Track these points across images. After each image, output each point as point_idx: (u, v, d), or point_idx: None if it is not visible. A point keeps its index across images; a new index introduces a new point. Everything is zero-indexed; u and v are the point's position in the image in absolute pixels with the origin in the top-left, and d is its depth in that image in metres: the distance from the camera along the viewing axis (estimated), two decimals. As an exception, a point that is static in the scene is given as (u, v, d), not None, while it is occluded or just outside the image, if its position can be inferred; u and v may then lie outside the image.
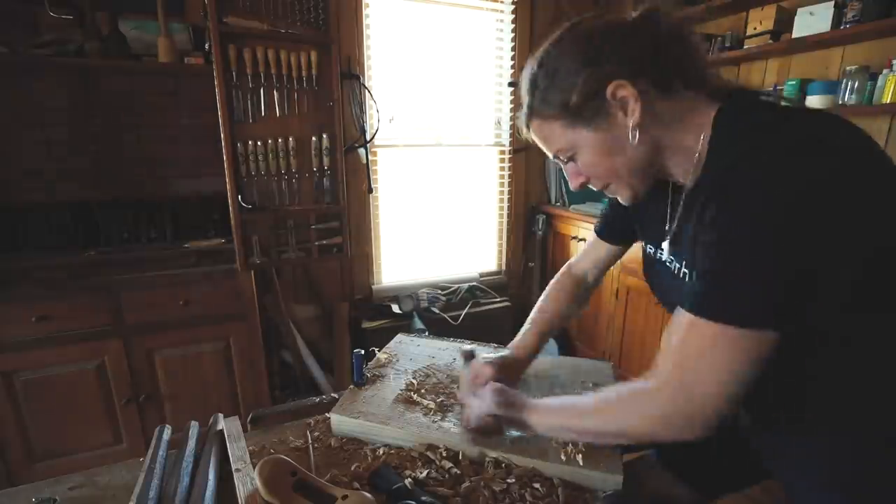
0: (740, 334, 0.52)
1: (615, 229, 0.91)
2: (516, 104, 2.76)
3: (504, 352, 0.93)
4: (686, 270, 0.66)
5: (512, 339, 0.96)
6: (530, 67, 0.65)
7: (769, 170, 0.49)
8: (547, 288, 0.99)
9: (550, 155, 0.70)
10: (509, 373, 0.87)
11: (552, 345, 2.67)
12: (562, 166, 0.70)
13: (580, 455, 0.72)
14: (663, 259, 0.73)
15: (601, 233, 0.93)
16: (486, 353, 0.95)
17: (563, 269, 1.00)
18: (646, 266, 0.80)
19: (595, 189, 0.71)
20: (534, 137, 0.70)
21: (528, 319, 0.96)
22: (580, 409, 0.67)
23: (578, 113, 0.61)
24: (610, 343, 2.45)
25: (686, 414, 0.56)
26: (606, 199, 0.88)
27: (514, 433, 0.77)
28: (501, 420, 0.74)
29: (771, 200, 0.48)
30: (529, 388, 0.93)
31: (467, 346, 1.04)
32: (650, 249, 0.77)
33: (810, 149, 0.48)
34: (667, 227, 0.71)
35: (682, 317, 0.56)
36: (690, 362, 0.55)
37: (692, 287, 0.57)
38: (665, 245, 0.71)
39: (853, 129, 0.51)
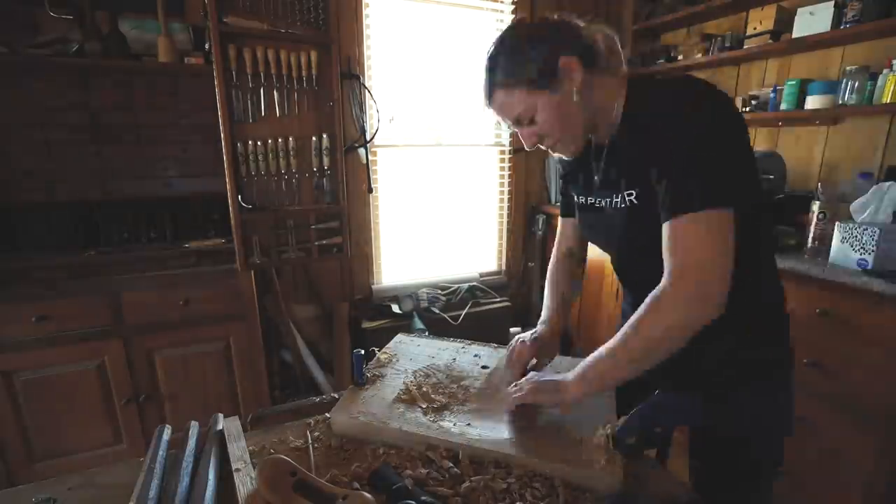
0: (721, 215, 0.68)
1: (572, 206, 1.04)
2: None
3: (537, 329, 1.02)
4: (618, 200, 0.83)
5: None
6: (488, 52, 0.81)
7: (691, 96, 0.72)
8: (548, 274, 1.13)
9: (510, 121, 0.83)
10: (548, 349, 1.00)
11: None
12: (517, 130, 0.84)
13: (581, 454, 0.72)
14: (593, 203, 0.91)
15: (565, 213, 1.10)
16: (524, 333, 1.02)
17: (552, 256, 1.14)
18: (580, 214, 0.98)
19: (544, 146, 0.85)
20: (495, 108, 0.83)
21: (545, 301, 1.09)
22: (614, 354, 0.75)
23: (540, 81, 0.76)
24: (610, 343, 2.45)
25: (704, 295, 0.68)
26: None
27: (554, 413, 0.81)
28: (539, 407, 0.82)
29: (700, 110, 0.70)
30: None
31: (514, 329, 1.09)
32: (582, 199, 0.94)
33: (702, 89, 0.73)
34: (596, 176, 0.88)
35: (670, 225, 0.71)
36: (694, 252, 0.69)
37: (665, 198, 0.71)
38: (595, 188, 0.89)
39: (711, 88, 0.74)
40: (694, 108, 0.71)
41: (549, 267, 1.13)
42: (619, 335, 0.74)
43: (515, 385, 0.85)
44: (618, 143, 0.82)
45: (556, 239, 1.14)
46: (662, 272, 0.72)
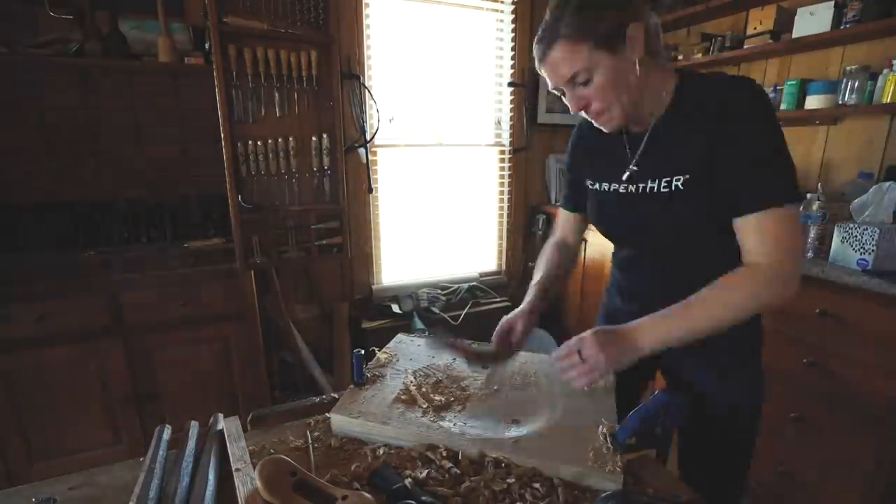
0: (798, 210, 0.76)
1: (578, 200, 1.07)
2: (517, 103, 2.78)
3: (523, 308, 1.03)
4: (661, 183, 0.83)
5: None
6: (554, 3, 0.77)
7: (753, 88, 0.76)
8: (540, 255, 1.16)
9: (562, 79, 0.79)
10: (532, 318, 1.02)
11: (551, 343, 2.67)
12: (567, 91, 0.81)
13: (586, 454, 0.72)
14: (617, 189, 0.91)
15: (567, 205, 1.12)
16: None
17: (548, 242, 1.17)
18: (596, 201, 0.97)
19: (589, 112, 0.83)
20: (550, 62, 0.79)
21: (534, 277, 1.11)
22: (689, 310, 0.77)
23: (606, 40, 0.75)
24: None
25: (790, 279, 0.74)
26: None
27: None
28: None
29: (768, 108, 0.75)
30: (529, 389, 0.93)
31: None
32: (602, 186, 0.95)
33: (759, 87, 0.77)
34: (631, 161, 0.88)
35: (761, 216, 0.74)
36: (786, 241, 0.74)
37: (748, 189, 0.75)
38: (626, 175, 0.89)
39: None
40: (763, 104, 0.75)
41: (543, 249, 1.16)
42: (696, 298, 0.77)
43: (566, 354, 0.81)
44: (663, 130, 0.84)
45: (554, 231, 1.18)
46: (685, 266, 0.85)
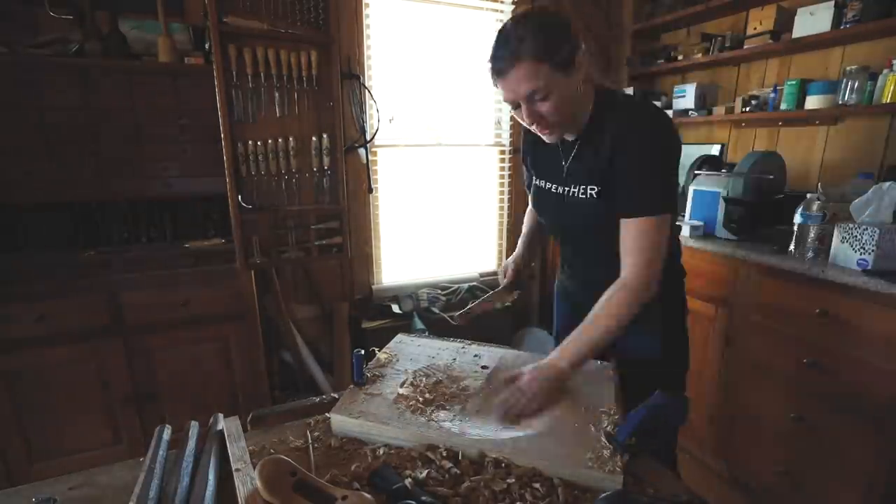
0: (668, 219, 0.91)
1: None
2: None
3: (509, 260, 1.29)
4: (581, 190, 0.99)
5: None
6: (512, 23, 0.85)
7: (651, 118, 0.91)
8: (524, 223, 1.35)
9: (521, 95, 0.87)
10: (520, 273, 1.27)
11: (550, 342, 2.67)
12: (523, 105, 0.89)
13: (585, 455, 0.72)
14: (554, 189, 1.06)
15: (529, 184, 1.23)
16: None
17: (528, 211, 1.35)
18: (536, 194, 1.14)
19: (539, 127, 0.93)
20: (512, 78, 0.86)
21: (520, 242, 1.33)
22: (590, 331, 0.91)
23: (563, 63, 0.85)
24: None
25: (650, 287, 0.90)
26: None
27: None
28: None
29: (659, 136, 0.90)
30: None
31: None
32: (543, 184, 1.10)
33: (658, 111, 0.96)
34: (564, 164, 1.03)
35: (636, 223, 0.90)
36: (650, 251, 0.90)
37: (630, 198, 0.90)
38: (561, 177, 1.04)
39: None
40: (659, 127, 0.90)
41: (526, 218, 1.35)
42: (591, 318, 0.91)
43: (508, 391, 0.86)
44: (584, 143, 0.97)
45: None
46: (600, 252, 0.99)
